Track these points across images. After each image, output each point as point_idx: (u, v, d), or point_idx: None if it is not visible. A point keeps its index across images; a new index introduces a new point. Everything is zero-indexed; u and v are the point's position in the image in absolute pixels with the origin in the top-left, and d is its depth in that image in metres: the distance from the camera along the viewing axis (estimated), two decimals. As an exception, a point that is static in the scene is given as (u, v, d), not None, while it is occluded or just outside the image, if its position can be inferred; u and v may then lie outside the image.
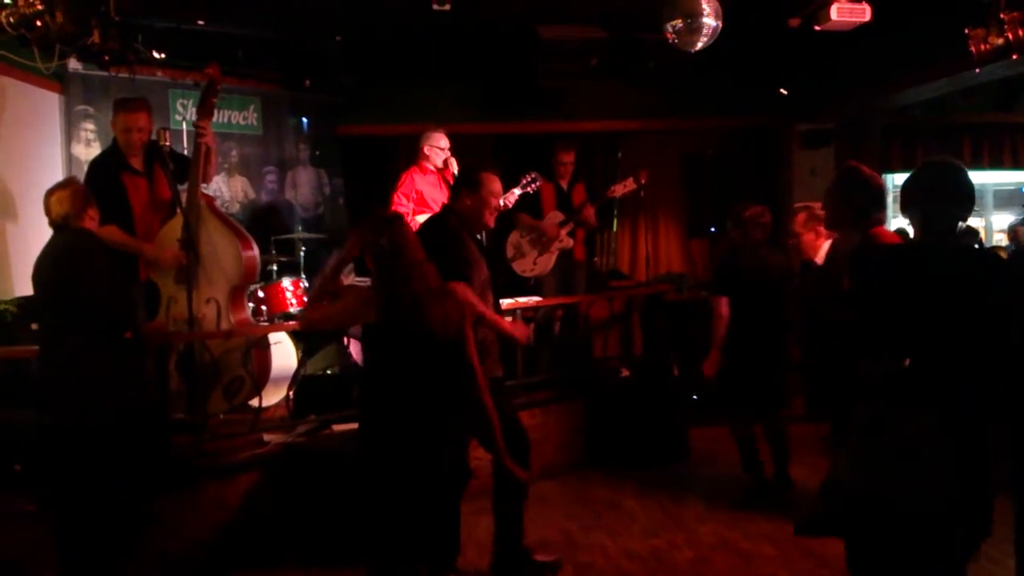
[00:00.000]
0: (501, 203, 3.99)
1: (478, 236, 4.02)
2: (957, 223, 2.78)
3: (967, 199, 2.80)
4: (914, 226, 2.88)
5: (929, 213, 2.77)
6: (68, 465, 3.51)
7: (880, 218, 3.40)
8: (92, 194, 3.74)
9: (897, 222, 8.43)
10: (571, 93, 7.66)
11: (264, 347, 4.91)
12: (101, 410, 3.50)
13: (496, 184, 3.93)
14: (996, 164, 8.23)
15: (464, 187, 3.93)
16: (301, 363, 5.16)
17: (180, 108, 6.22)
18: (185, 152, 5.52)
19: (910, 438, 2.66)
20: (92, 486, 3.51)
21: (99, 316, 3.54)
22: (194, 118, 5.06)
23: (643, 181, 6.38)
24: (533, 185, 6.03)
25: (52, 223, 3.64)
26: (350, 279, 6.71)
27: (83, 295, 3.50)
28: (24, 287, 4.20)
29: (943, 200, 2.76)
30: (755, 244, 4.97)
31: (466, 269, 3.70)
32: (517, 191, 5.97)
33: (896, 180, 8.80)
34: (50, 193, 3.65)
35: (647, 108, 8.03)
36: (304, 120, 7.09)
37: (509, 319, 4.01)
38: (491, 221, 3.95)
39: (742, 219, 5.01)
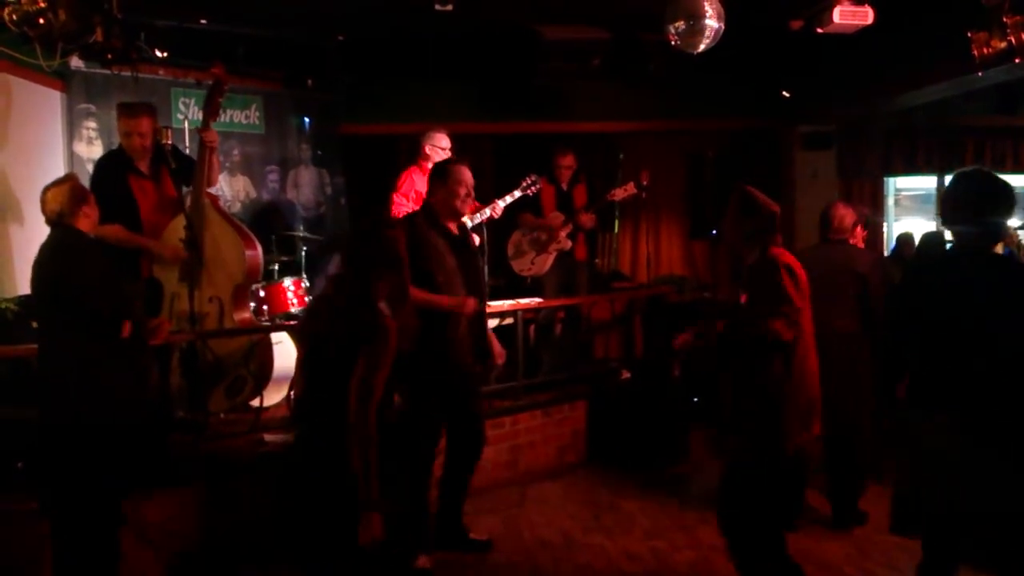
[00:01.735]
0: (471, 191, 4.13)
1: (452, 226, 4.16)
2: (998, 231, 2.94)
3: (1008, 207, 2.92)
4: (954, 235, 3.00)
5: (971, 222, 2.89)
6: (67, 463, 3.50)
7: (774, 239, 3.52)
8: (88, 191, 3.71)
9: (900, 226, 8.45)
10: (571, 93, 7.66)
11: (266, 347, 4.91)
12: (97, 408, 3.48)
13: (462, 174, 4.12)
14: (998, 167, 8.19)
15: (435, 180, 4.20)
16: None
17: (182, 107, 6.22)
18: (187, 151, 5.52)
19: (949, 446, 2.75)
20: (91, 485, 3.51)
21: (91, 315, 3.51)
22: (199, 117, 5.08)
23: (645, 182, 6.38)
24: (533, 188, 6.04)
25: (48, 220, 3.62)
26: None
27: (74, 294, 3.49)
28: (26, 285, 4.20)
29: (984, 210, 2.89)
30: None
31: (425, 268, 3.93)
32: (517, 193, 5.97)
33: (898, 183, 8.80)
34: (45, 190, 3.62)
35: (648, 109, 8.03)
36: (306, 119, 7.08)
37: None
38: (463, 209, 4.18)
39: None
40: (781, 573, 3.55)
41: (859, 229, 4.78)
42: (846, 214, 4.67)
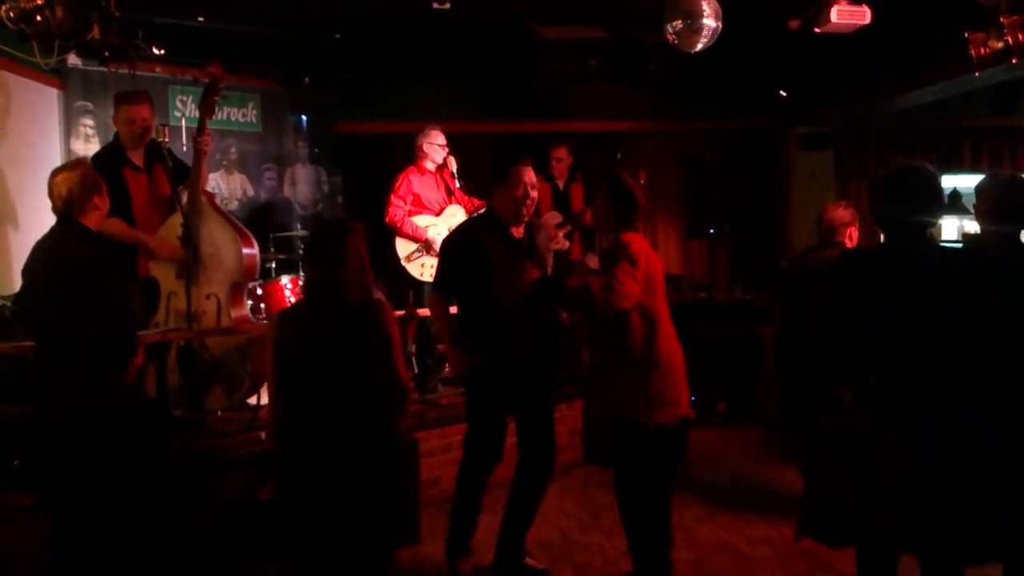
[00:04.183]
0: (532, 192, 4.01)
1: (516, 231, 4.03)
2: (926, 225, 2.82)
3: (933, 201, 2.84)
4: (882, 229, 2.89)
5: (898, 216, 2.80)
6: (64, 464, 3.47)
7: (633, 225, 3.72)
8: (101, 181, 3.54)
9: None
10: (570, 93, 7.66)
11: (263, 345, 4.90)
12: (95, 409, 3.43)
13: (524, 175, 3.96)
14: (996, 167, 8.22)
15: (496, 183, 4.04)
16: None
17: (179, 104, 6.21)
18: (184, 149, 5.51)
19: (889, 454, 2.65)
20: (88, 483, 3.48)
21: (104, 341, 3.37)
22: (196, 114, 5.08)
23: (642, 182, 6.38)
24: None
25: (54, 208, 3.43)
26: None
27: (90, 319, 3.32)
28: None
29: (909, 203, 2.79)
30: None
31: (477, 273, 3.86)
32: None
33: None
34: (55, 173, 3.45)
35: (646, 109, 8.03)
36: (303, 117, 7.08)
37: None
38: (525, 210, 4.01)
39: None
40: (647, 550, 3.69)
41: (853, 231, 4.58)
42: (834, 216, 4.55)
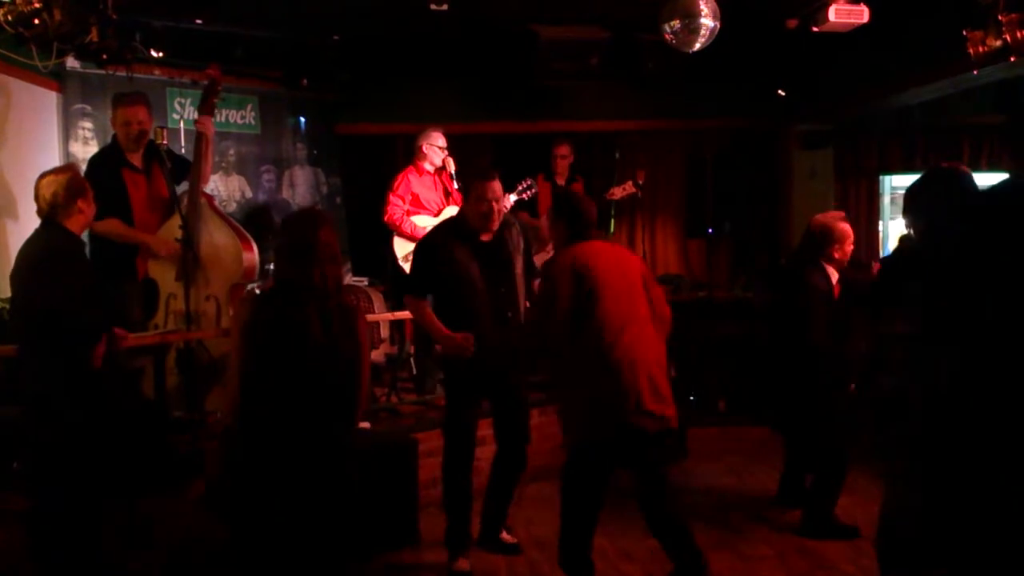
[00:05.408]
0: (496, 206, 4.11)
1: (485, 236, 4.16)
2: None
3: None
4: (919, 232, 2.86)
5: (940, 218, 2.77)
6: (57, 463, 3.46)
7: (583, 238, 3.72)
8: (87, 186, 3.60)
9: (896, 224, 8.45)
10: (570, 93, 7.65)
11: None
12: (82, 413, 3.43)
13: (482, 189, 4.09)
14: (995, 166, 8.21)
15: (465, 193, 4.31)
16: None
17: (178, 107, 6.21)
18: (183, 151, 5.52)
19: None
20: (81, 485, 3.46)
21: (62, 333, 3.38)
22: (195, 118, 5.10)
23: (641, 181, 6.39)
24: (529, 192, 6.05)
25: (39, 212, 3.47)
26: (347, 279, 6.71)
27: (46, 313, 3.35)
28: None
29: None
30: None
31: (443, 278, 4.09)
32: (513, 197, 5.97)
33: (895, 182, 8.80)
34: (41, 177, 3.49)
35: (645, 109, 8.02)
36: (301, 119, 7.08)
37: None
38: (490, 223, 4.13)
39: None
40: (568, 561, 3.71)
41: (834, 249, 4.45)
42: (818, 228, 4.51)
